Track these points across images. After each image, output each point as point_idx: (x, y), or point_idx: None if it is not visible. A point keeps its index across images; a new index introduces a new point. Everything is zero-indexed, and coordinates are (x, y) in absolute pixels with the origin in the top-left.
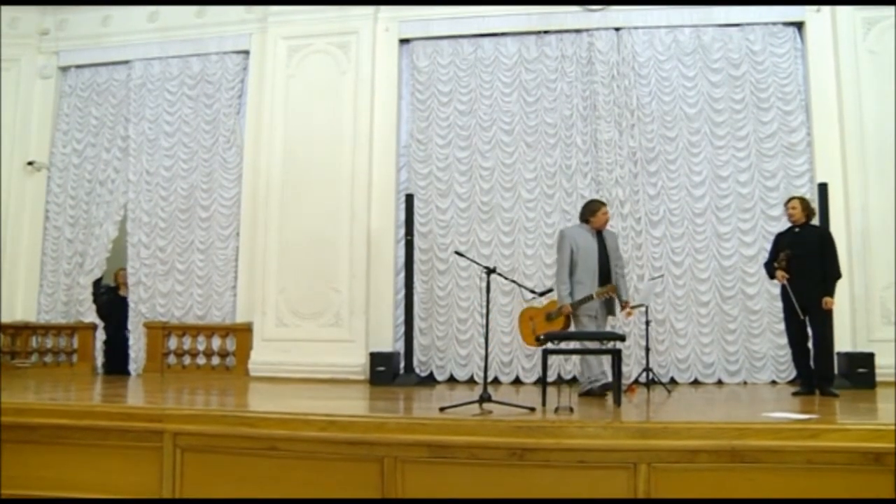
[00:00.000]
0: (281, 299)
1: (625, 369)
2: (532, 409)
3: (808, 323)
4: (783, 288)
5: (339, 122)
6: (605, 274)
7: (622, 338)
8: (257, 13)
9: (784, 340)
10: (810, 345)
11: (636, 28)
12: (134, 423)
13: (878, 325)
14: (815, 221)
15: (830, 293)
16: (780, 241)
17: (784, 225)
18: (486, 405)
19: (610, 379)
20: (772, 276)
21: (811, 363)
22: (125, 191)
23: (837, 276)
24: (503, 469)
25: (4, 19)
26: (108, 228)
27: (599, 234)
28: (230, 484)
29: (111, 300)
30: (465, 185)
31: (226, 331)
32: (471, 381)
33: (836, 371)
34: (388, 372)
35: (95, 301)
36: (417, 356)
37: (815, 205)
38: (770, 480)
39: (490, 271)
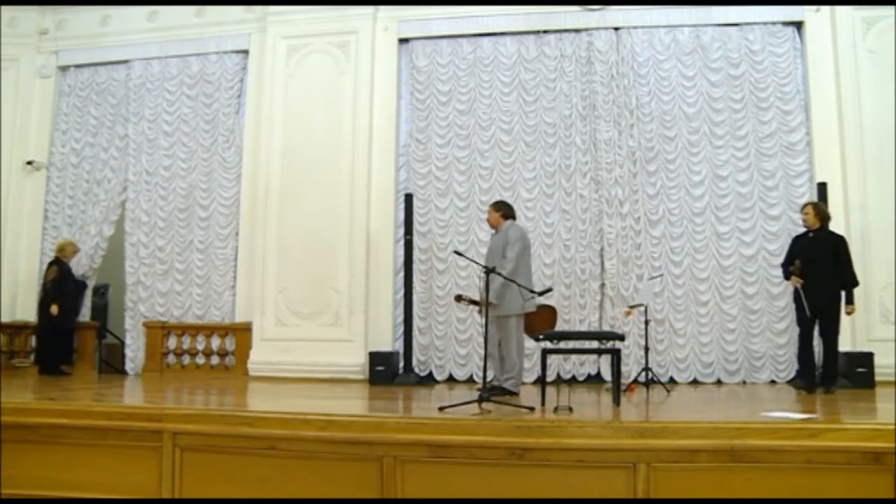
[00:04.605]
0: (280, 299)
1: (624, 369)
2: (531, 409)
3: (818, 324)
4: (795, 291)
5: (339, 122)
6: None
7: (621, 337)
8: (256, 13)
9: (783, 340)
10: (816, 343)
11: (635, 28)
12: (133, 423)
13: (878, 324)
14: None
15: (850, 300)
16: (796, 244)
17: (785, 225)
18: (486, 405)
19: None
20: (787, 277)
21: (815, 360)
22: (123, 190)
23: (854, 283)
24: (502, 469)
25: (4, 19)
26: (104, 227)
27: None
28: (230, 484)
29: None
30: (464, 185)
31: (225, 330)
32: (470, 381)
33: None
34: (387, 371)
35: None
36: (416, 356)
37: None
38: (769, 480)
39: (489, 271)
